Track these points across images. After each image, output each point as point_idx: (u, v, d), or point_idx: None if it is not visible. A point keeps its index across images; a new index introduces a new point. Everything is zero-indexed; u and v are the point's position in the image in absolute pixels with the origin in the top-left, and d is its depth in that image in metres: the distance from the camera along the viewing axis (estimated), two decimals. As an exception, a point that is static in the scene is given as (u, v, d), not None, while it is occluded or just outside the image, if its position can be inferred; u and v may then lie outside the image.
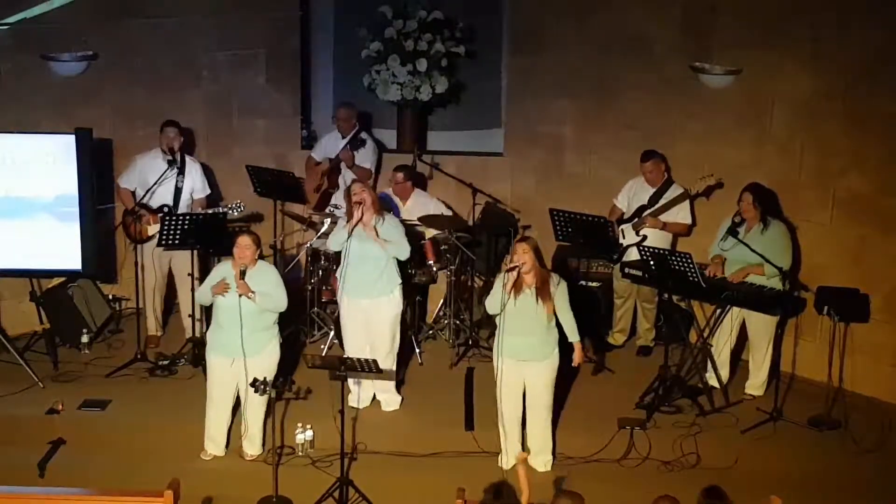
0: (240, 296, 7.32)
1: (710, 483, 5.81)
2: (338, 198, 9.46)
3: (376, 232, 7.78)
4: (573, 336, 7.37)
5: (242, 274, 7.33)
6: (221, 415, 7.64)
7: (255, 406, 7.55)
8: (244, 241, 7.39)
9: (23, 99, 8.99)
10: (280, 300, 7.49)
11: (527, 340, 7.26)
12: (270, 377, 7.27)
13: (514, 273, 7.17)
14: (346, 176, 9.51)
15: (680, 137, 9.34)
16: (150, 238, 8.72)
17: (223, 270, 7.52)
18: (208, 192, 9.09)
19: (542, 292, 7.23)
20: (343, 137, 9.65)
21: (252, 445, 7.67)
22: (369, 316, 7.95)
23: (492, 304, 7.33)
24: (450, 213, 9.35)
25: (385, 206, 8.32)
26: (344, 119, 9.65)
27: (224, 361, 7.49)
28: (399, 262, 8.00)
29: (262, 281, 7.42)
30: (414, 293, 8.79)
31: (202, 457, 7.65)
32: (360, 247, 7.82)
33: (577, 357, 7.44)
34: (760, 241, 8.15)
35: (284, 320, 8.80)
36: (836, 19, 8.40)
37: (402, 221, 8.34)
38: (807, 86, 8.65)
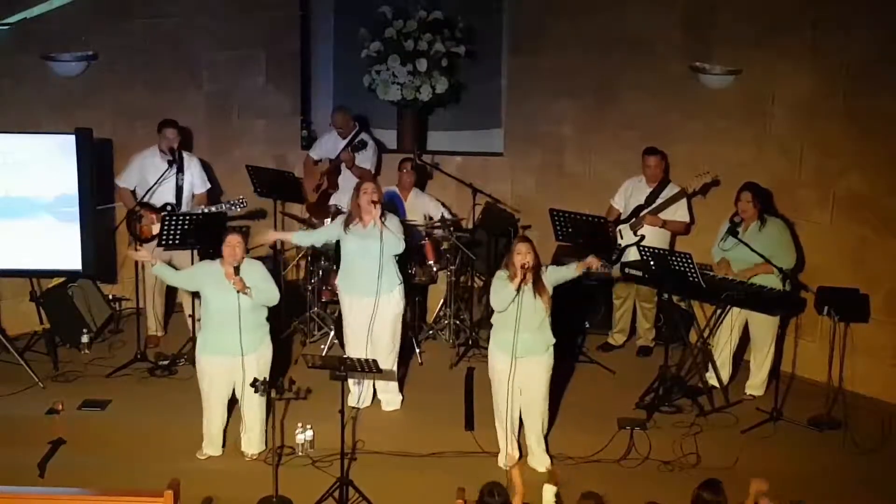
0: (238, 292, 7.30)
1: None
2: (337, 198, 9.46)
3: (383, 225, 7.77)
4: (577, 267, 7.29)
5: (237, 271, 7.32)
6: (219, 415, 7.64)
7: (255, 405, 7.55)
8: (235, 240, 7.39)
9: (23, 99, 8.99)
10: (272, 293, 7.49)
11: (524, 337, 7.23)
12: (266, 375, 7.28)
13: (524, 271, 7.14)
14: (346, 176, 9.50)
15: (680, 137, 9.33)
16: (154, 237, 8.69)
17: (212, 270, 7.49)
18: (208, 186, 9.10)
19: (539, 286, 7.22)
20: (343, 138, 9.65)
21: (252, 445, 7.67)
22: (371, 315, 7.94)
23: (499, 300, 7.24)
24: (446, 213, 9.32)
25: (391, 205, 8.33)
26: (340, 124, 9.64)
27: (220, 361, 7.47)
28: (399, 262, 8.00)
29: (251, 276, 7.42)
30: (414, 293, 8.78)
31: (198, 456, 7.65)
32: (361, 244, 7.80)
33: (590, 261, 7.31)
34: (759, 239, 8.15)
35: (284, 320, 8.87)
36: (836, 19, 8.40)
37: (402, 221, 8.34)
38: (807, 86, 8.65)
